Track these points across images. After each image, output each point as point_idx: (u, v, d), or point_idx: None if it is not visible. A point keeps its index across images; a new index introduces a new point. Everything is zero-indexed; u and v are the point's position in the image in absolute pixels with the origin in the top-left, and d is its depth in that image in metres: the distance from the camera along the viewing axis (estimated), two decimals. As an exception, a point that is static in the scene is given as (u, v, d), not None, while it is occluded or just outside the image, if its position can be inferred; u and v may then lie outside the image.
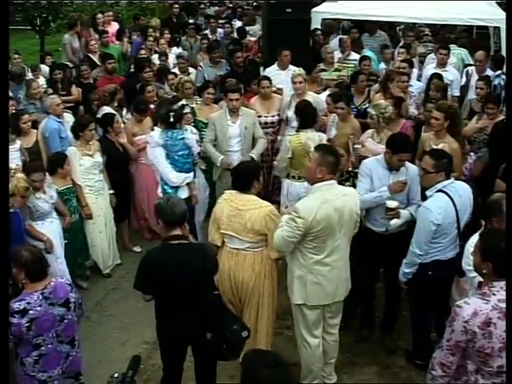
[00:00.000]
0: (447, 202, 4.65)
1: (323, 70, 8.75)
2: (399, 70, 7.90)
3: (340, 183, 5.16)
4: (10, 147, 6.49)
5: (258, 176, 4.99)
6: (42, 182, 5.82)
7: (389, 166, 5.13)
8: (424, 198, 4.90)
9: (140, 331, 5.83)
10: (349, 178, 5.59)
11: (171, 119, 6.34)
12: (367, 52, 9.62)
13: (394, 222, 5.07)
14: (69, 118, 7.28)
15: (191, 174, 6.52)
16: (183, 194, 6.40)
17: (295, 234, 4.41)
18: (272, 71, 8.41)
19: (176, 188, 6.43)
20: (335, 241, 4.50)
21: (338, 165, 4.71)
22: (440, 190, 4.69)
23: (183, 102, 7.11)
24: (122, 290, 6.58)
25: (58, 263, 5.95)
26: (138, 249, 7.35)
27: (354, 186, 5.35)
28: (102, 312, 6.24)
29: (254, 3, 16.67)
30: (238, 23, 13.05)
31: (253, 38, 11.84)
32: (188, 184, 6.50)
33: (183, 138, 6.42)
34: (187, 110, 6.98)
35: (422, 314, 5.11)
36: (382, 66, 9.36)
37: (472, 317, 3.30)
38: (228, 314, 4.55)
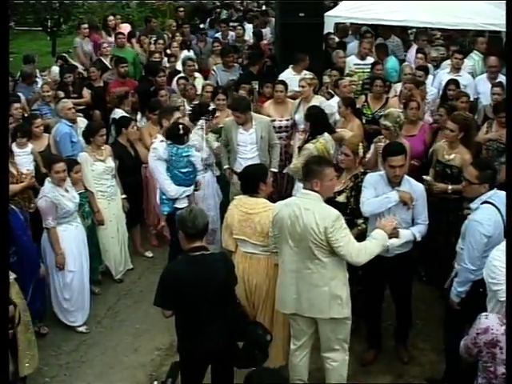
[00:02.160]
0: (495, 213, 4.47)
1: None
2: (417, 79, 7.78)
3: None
4: (21, 151, 6.51)
5: (265, 178, 4.94)
6: (65, 173, 5.73)
7: (390, 181, 5.01)
8: (457, 210, 4.69)
9: (152, 337, 5.81)
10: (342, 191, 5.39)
11: (181, 132, 6.16)
12: (391, 60, 9.36)
13: (392, 241, 4.81)
14: (82, 124, 7.24)
15: (191, 187, 6.37)
16: (182, 204, 6.21)
17: (272, 229, 4.59)
18: (288, 76, 8.32)
19: (174, 199, 6.24)
20: (289, 250, 4.42)
21: (311, 174, 4.40)
22: (485, 202, 4.53)
23: (212, 106, 7.17)
24: (134, 295, 6.57)
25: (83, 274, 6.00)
26: (149, 254, 7.34)
27: (348, 199, 5.31)
28: (114, 317, 6.21)
29: (263, 7, 16.64)
30: (249, 26, 13.00)
31: (264, 41, 11.83)
32: (187, 196, 6.32)
33: (188, 156, 6.23)
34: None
35: (460, 337, 4.08)
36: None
37: (482, 332, 3.31)
38: (248, 320, 4.52)
